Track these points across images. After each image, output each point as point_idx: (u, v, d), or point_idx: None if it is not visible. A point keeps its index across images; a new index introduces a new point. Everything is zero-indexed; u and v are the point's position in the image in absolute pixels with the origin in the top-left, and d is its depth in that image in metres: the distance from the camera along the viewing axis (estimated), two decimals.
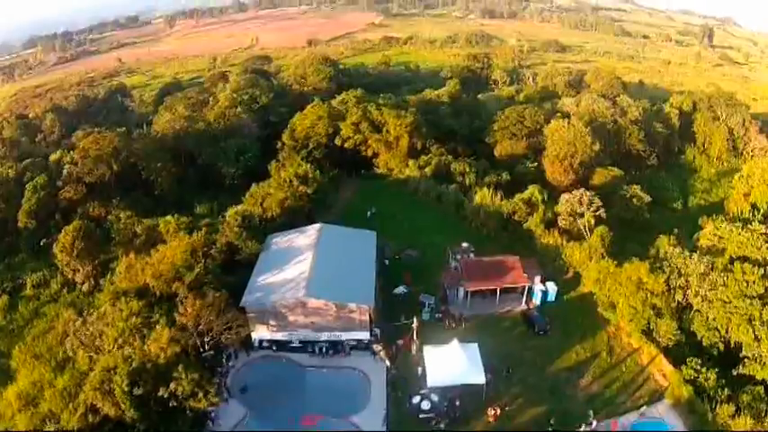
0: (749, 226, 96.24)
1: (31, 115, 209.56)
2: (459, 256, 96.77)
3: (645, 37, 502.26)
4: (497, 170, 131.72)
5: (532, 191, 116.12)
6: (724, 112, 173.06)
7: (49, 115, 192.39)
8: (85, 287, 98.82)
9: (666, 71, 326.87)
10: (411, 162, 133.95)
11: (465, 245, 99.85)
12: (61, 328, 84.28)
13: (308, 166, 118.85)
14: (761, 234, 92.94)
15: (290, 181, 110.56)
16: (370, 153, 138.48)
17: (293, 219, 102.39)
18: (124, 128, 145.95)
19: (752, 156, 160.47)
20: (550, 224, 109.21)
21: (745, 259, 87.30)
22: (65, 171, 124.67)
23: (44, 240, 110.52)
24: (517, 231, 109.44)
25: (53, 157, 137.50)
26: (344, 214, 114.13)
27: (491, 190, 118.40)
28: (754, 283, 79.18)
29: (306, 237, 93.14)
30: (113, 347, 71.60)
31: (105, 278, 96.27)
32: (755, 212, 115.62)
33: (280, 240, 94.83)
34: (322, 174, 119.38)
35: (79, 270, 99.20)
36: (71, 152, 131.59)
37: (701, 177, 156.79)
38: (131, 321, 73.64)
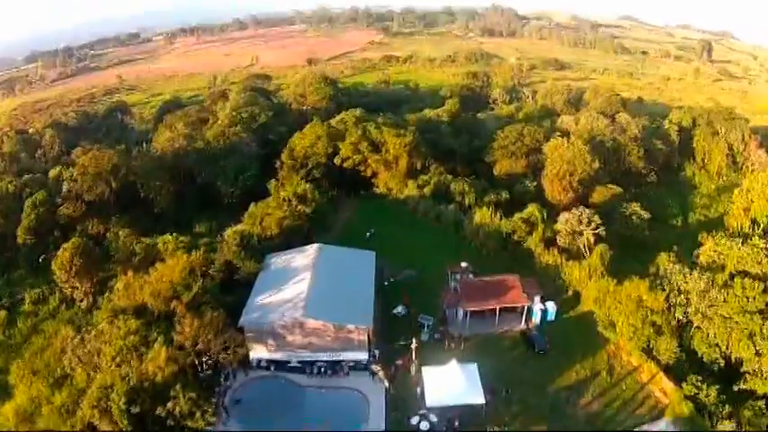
0: (749, 241, 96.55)
1: (30, 130, 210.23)
2: (458, 277, 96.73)
3: (644, 53, 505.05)
4: (497, 189, 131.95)
5: (532, 210, 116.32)
6: (723, 127, 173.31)
7: (49, 131, 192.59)
8: (84, 304, 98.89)
9: (665, 87, 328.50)
10: (410, 182, 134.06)
11: (464, 265, 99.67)
12: (59, 344, 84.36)
13: (307, 185, 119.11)
14: (761, 249, 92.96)
15: (289, 200, 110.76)
16: (369, 173, 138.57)
17: (292, 238, 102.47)
18: (123, 145, 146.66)
19: (752, 170, 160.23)
20: (550, 243, 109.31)
21: (745, 274, 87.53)
22: (64, 188, 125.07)
23: (43, 256, 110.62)
24: (517, 250, 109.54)
25: (52, 173, 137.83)
26: (343, 234, 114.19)
27: (490, 209, 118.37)
28: (754, 298, 79.46)
29: (304, 257, 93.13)
30: (111, 365, 71.58)
31: (104, 296, 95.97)
32: (755, 227, 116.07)
33: (278, 260, 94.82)
34: (321, 193, 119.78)
35: (78, 287, 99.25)
36: (70, 169, 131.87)
37: (701, 193, 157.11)
38: (129, 340, 73.61)
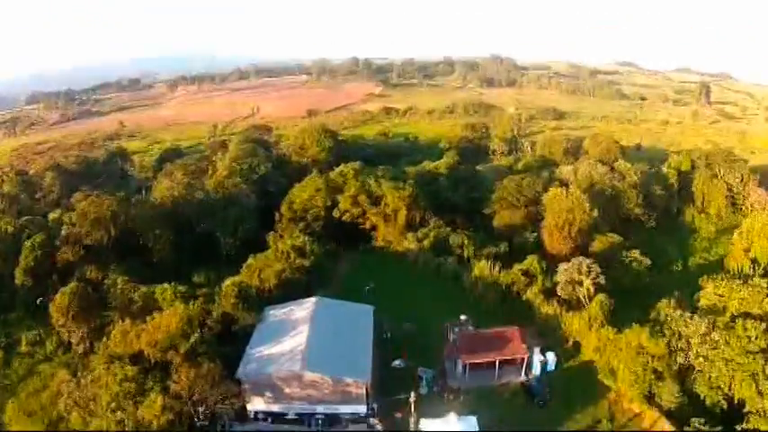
0: (750, 282, 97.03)
1: (31, 172, 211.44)
2: (457, 329, 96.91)
3: (642, 99, 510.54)
4: (496, 241, 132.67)
5: (531, 261, 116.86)
6: (722, 168, 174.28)
7: (50, 174, 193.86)
8: (81, 349, 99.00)
9: (664, 132, 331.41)
10: (409, 235, 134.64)
11: (463, 318, 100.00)
12: (56, 387, 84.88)
13: (306, 238, 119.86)
14: (762, 289, 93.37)
15: (288, 253, 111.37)
16: (368, 225, 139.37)
17: (290, 291, 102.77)
18: (123, 192, 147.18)
19: (751, 210, 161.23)
20: (550, 293, 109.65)
21: (747, 315, 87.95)
22: (63, 232, 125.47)
23: (40, 299, 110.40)
24: (516, 302, 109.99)
25: (52, 216, 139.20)
26: (342, 287, 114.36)
27: (489, 261, 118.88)
28: (756, 338, 79.91)
29: (303, 309, 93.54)
30: (107, 411, 71.52)
31: (100, 341, 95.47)
32: (756, 267, 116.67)
33: (276, 312, 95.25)
34: (320, 246, 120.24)
35: (75, 331, 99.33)
36: (70, 213, 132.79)
37: (701, 236, 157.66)
38: (125, 386, 73.87)
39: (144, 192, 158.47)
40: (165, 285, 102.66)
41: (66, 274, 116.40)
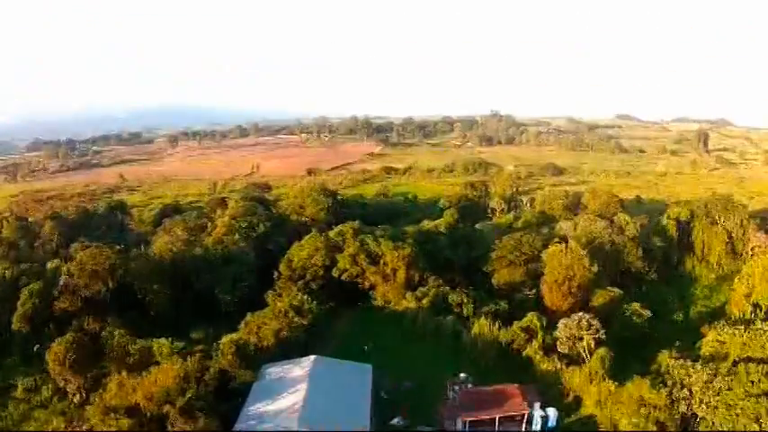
0: (751, 326, 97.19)
1: (30, 219, 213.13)
2: (456, 387, 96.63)
3: (641, 151, 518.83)
4: (495, 299, 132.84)
5: (530, 318, 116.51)
6: (721, 216, 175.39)
7: (49, 222, 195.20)
8: (77, 398, 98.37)
9: (663, 183, 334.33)
10: (409, 294, 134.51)
11: (462, 375, 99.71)
12: None
13: (305, 297, 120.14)
14: (764, 332, 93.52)
15: (286, 312, 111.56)
16: (367, 285, 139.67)
17: (288, 349, 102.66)
18: (122, 245, 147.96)
19: (752, 255, 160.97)
20: (549, 350, 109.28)
21: (749, 360, 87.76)
22: (61, 282, 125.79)
23: (37, 346, 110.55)
24: (516, 359, 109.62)
25: (50, 265, 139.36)
26: (341, 346, 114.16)
27: (488, 319, 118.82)
28: (759, 381, 79.86)
29: (300, 368, 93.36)
30: None
31: (96, 392, 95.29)
32: (758, 311, 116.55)
33: (274, 370, 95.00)
34: (318, 305, 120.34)
35: (71, 381, 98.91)
36: (68, 263, 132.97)
37: (702, 285, 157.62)
38: None
39: (143, 246, 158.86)
40: (162, 340, 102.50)
41: (63, 323, 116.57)
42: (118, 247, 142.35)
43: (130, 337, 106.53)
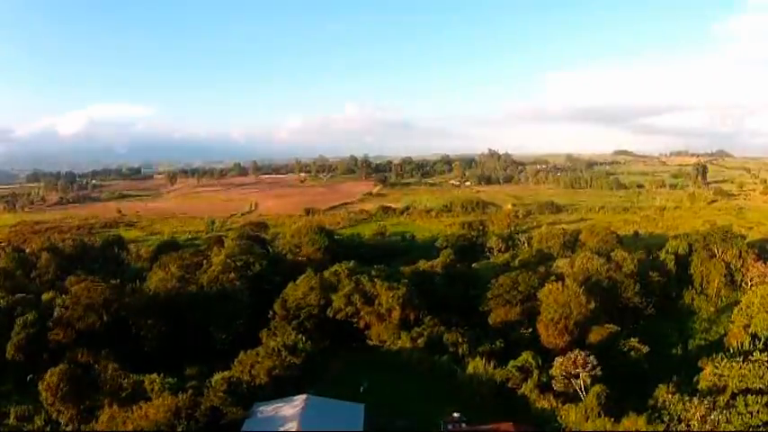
0: (750, 357, 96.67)
1: (27, 250, 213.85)
2: (450, 426, 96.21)
3: (639, 186, 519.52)
4: (491, 338, 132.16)
5: (526, 356, 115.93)
6: (720, 248, 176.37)
7: (45, 254, 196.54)
8: (69, 429, 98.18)
9: (661, 218, 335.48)
10: (404, 333, 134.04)
11: (456, 415, 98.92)
12: None
13: (300, 336, 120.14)
14: (762, 363, 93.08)
15: (279, 351, 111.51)
16: (362, 324, 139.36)
17: (281, 388, 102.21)
18: (118, 280, 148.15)
19: (751, 285, 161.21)
20: (546, 388, 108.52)
21: (747, 391, 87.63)
22: (56, 313, 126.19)
23: (31, 376, 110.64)
24: (511, 398, 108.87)
25: (45, 296, 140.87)
26: (335, 385, 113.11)
27: (483, 359, 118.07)
28: (758, 411, 79.79)
29: (291, 407, 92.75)
30: None
31: (89, 424, 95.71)
32: (756, 342, 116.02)
33: (265, 409, 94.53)
34: (313, 344, 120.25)
35: (63, 412, 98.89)
36: (63, 296, 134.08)
37: (701, 317, 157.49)
38: None
39: (138, 281, 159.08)
40: (154, 376, 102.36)
41: (57, 353, 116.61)
42: (113, 281, 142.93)
43: (123, 371, 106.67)
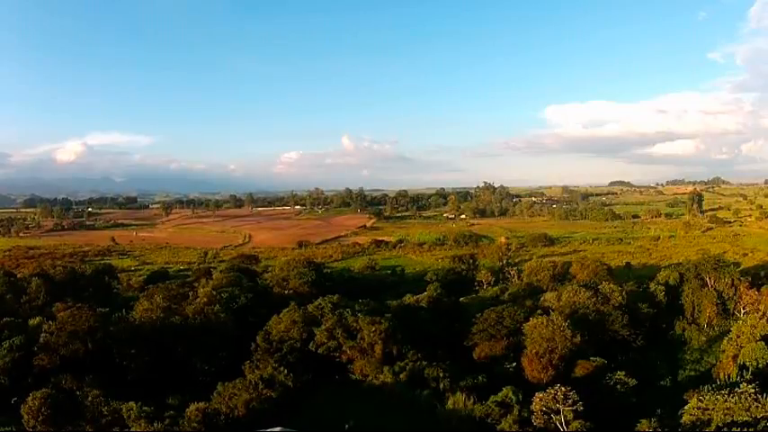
0: (736, 389, 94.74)
1: (19, 275, 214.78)
2: None
3: (635, 217, 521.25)
4: (475, 372, 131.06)
5: (506, 392, 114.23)
6: (712, 276, 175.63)
7: (36, 280, 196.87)
8: None
9: (655, 248, 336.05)
10: (386, 368, 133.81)
11: None
12: None
13: (282, 369, 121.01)
14: (749, 394, 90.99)
15: (256, 384, 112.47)
16: (344, 358, 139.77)
17: (258, 421, 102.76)
18: (107, 309, 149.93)
19: (744, 313, 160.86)
20: (526, 423, 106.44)
21: (733, 424, 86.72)
22: (41, 339, 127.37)
23: (15, 399, 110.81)
24: None
25: (32, 322, 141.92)
26: (314, 420, 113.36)
27: (464, 394, 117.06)
28: None
29: None
30: None
31: None
32: (744, 373, 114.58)
33: None
34: (295, 377, 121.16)
35: None
36: (50, 321, 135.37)
37: (691, 348, 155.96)
38: None
39: (126, 310, 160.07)
40: (132, 404, 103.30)
41: (42, 378, 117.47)
42: (100, 309, 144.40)
43: (104, 398, 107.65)
